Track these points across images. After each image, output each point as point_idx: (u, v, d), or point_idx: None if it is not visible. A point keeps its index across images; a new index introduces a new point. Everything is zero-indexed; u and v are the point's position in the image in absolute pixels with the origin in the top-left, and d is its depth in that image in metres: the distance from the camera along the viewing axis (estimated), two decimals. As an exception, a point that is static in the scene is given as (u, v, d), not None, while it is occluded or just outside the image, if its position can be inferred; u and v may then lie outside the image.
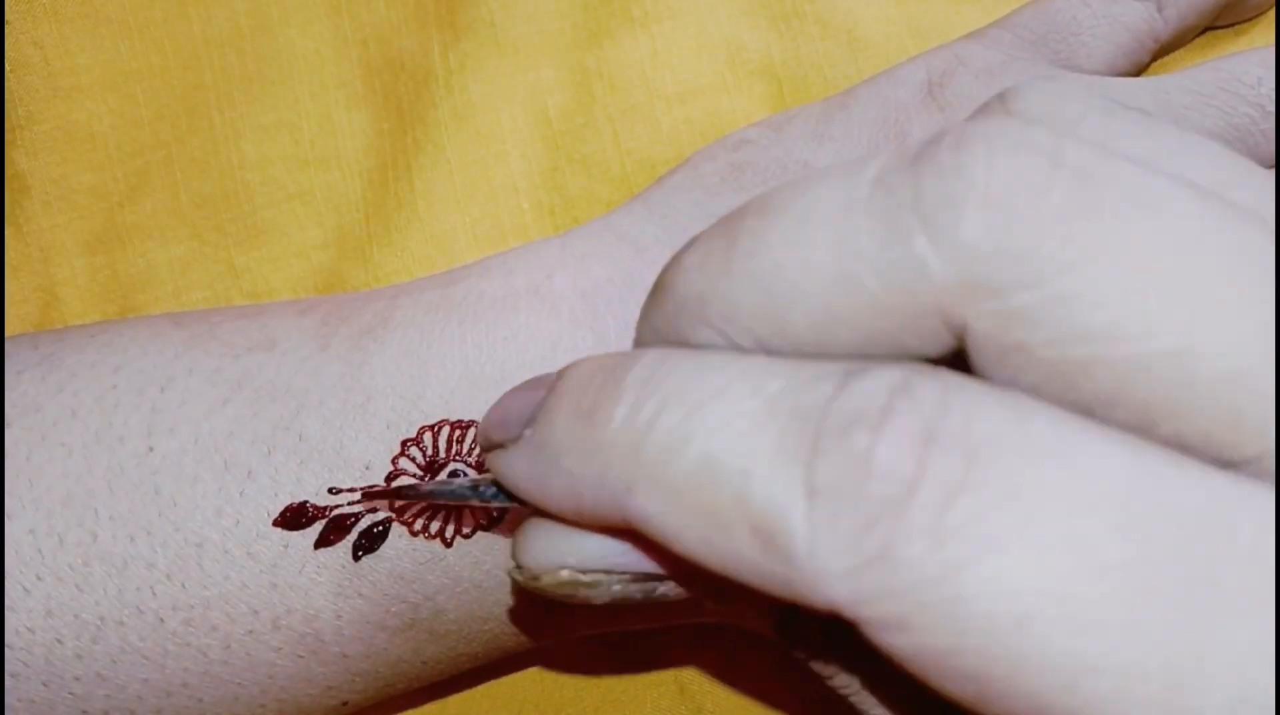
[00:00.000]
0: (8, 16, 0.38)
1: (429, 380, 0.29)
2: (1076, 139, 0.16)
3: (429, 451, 0.29)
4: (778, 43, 0.39)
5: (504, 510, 0.26)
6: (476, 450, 0.29)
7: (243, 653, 0.29)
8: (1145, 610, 0.14)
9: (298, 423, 0.29)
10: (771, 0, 0.39)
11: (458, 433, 0.29)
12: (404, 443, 0.29)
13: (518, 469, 0.20)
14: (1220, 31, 0.38)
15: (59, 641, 0.28)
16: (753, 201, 0.18)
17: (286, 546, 0.28)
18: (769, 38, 0.39)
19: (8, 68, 0.38)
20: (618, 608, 0.22)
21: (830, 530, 0.15)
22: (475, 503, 0.23)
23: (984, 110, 0.20)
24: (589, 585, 0.21)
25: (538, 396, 0.21)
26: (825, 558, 0.15)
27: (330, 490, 0.28)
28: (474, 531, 0.29)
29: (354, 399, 0.29)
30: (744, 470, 0.16)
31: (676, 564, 0.19)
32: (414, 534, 0.29)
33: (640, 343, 0.21)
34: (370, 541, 0.28)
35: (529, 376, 0.26)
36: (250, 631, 0.28)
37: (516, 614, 0.30)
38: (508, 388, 0.26)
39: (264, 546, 0.28)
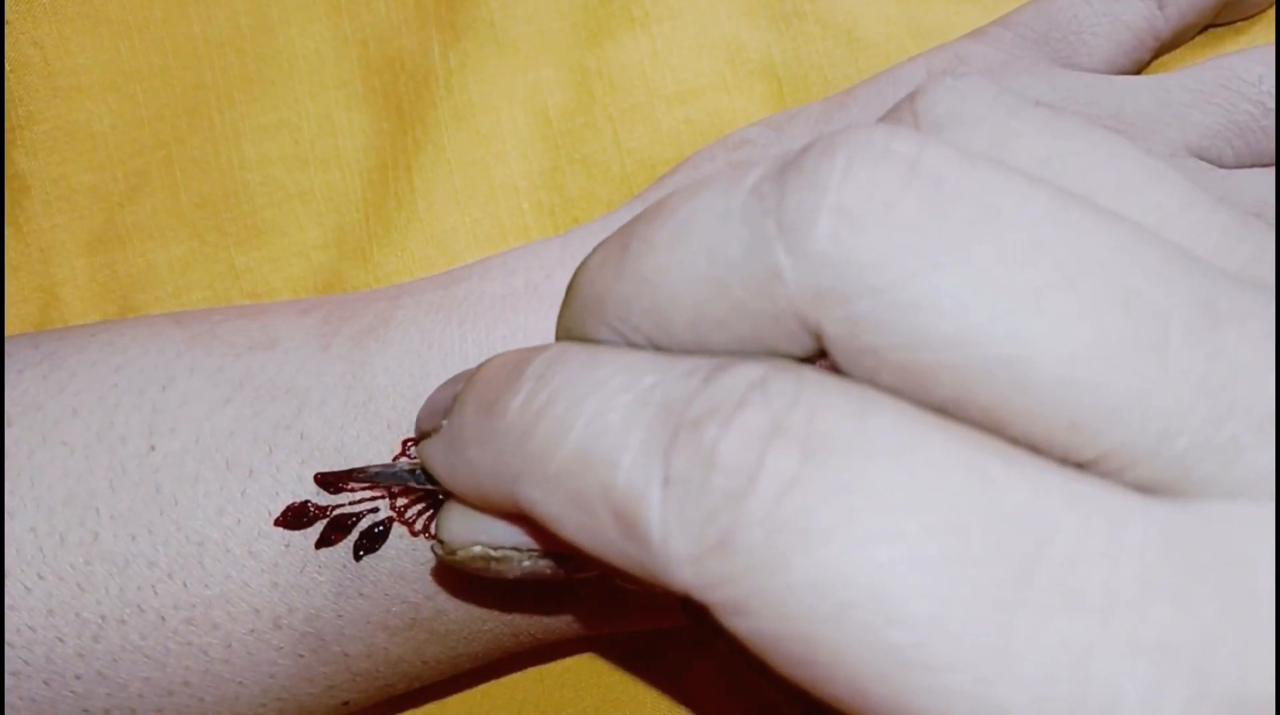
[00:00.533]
0: (8, 16, 0.38)
1: (430, 379, 0.29)
2: (941, 145, 0.16)
3: (429, 451, 0.29)
4: (778, 43, 0.39)
5: (433, 493, 0.27)
6: None
7: (244, 652, 0.29)
8: (955, 605, 0.14)
9: (299, 422, 0.29)
10: (771, 0, 0.39)
11: None
12: (405, 442, 0.29)
13: (436, 456, 0.21)
14: (1219, 30, 0.38)
15: (60, 640, 0.28)
16: (649, 207, 0.19)
17: (288, 546, 0.28)
18: (769, 37, 0.39)
19: (8, 68, 0.38)
20: (532, 581, 0.23)
21: (679, 518, 0.16)
22: (411, 485, 0.25)
23: (892, 111, 0.20)
24: (499, 560, 0.22)
25: (459, 389, 0.22)
26: (675, 544, 0.16)
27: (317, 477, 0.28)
28: None
29: (355, 398, 0.29)
30: (611, 460, 0.17)
31: (567, 547, 0.19)
32: (415, 534, 0.29)
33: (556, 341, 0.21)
34: (371, 541, 0.29)
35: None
36: (252, 630, 0.28)
37: (513, 604, 0.30)
38: None
39: (265, 546, 0.28)
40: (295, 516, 0.28)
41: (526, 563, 0.22)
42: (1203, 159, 0.31)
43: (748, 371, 0.16)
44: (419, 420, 0.23)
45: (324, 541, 0.28)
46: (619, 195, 0.38)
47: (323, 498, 0.28)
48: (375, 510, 0.29)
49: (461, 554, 0.22)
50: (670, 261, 0.18)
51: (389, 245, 0.38)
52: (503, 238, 0.38)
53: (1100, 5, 0.34)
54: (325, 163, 0.38)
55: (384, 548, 0.29)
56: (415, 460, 0.27)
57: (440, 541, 0.23)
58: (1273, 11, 0.37)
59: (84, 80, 0.38)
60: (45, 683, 0.28)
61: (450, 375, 0.29)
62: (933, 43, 0.39)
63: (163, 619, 0.28)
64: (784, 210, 0.16)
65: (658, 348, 0.18)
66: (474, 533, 0.22)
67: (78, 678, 0.28)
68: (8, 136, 0.38)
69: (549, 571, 0.22)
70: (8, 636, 0.28)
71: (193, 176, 0.38)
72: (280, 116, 0.38)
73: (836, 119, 0.33)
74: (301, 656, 0.29)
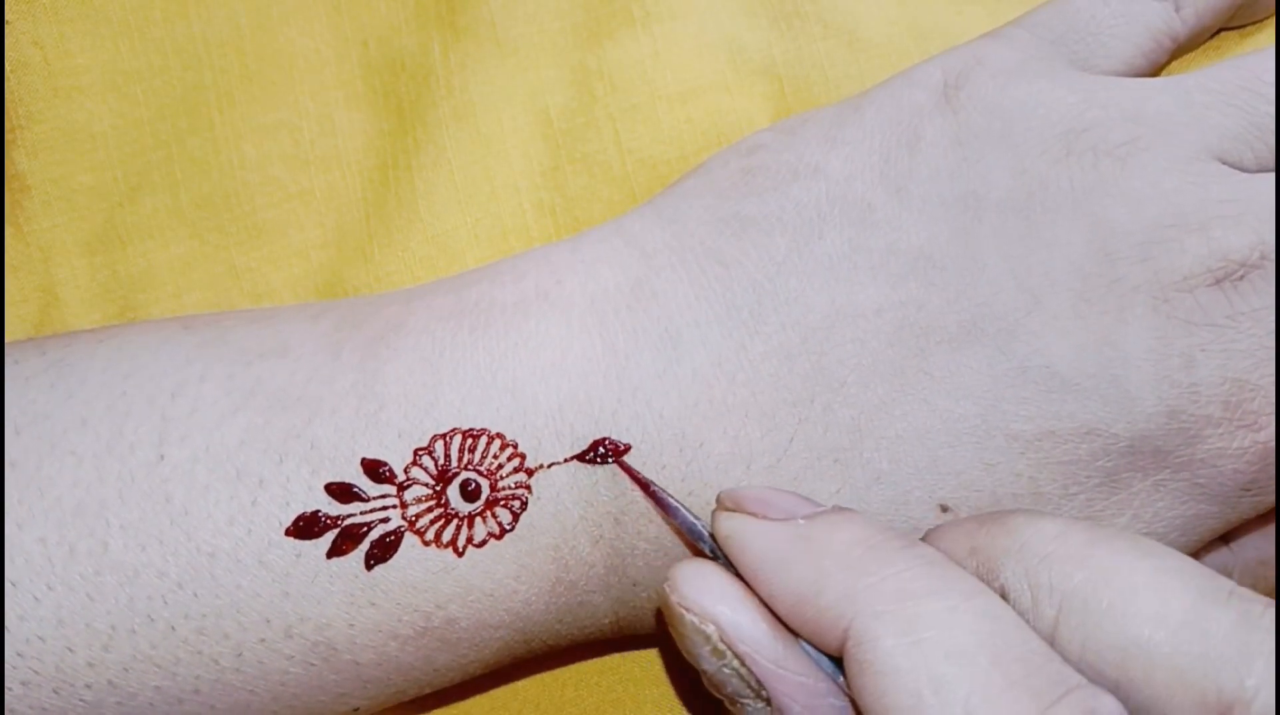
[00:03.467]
0: (8, 16, 0.38)
1: (441, 388, 0.29)
2: None
3: (441, 460, 0.29)
4: (779, 42, 0.39)
5: (698, 551, 0.28)
6: (488, 459, 0.29)
7: (255, 660, 0.29)
8: None
9: (309, 431, 0.29)
10: (772, 0, 0.39)
11: (469, 441, 0.29)
12: (416, 451, 0.29)
13: (761, 541, 0.25)
14: (1226, 33, 0.38)
15: (70, 650, 0.28)
16: None
17: (299, 556, 0.28)
18: (770, 37, 0.39)
19: (8, 68, 0.38)
20: (702, 679, 0.26)
21: None
22: (683, 529, 0.28)
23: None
24: (716, 650, 0.25)
25: (813, 507, 0.26)
26: None
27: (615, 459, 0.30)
28: (485, 541, 0.29)
29: (366, 407, 0.29)
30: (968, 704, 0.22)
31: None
32: (426, 544, 0.29)
33: (943, 543, 0.26)
34: (383, 551, 0.28)
35: (540, 383, 0.29)
36: (262, 640, 0.28)
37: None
38: (519, 396, 0.29)
39: (276, 556, 0.28)
40: (307, 526, 0.28)
41: (727, 670, 0.25)
42: (1224, 163, 0.31)
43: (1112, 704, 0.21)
44: (739, 496, 0.26)
45: (335, 551, 0.28)
46: (620, 194, 0.38)
47: (334, 507, 0.28)
48: (386, 520, 0.29)
49: (691, 617, 0.25)
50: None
51: (389, 245, 0.38)
52: (504, 237, 0.38)
53: (1119, 6, 0.34)
54: (325, 163, 0.38)
55: (395, 557, 0.29)
56: (691, 513, 0.28)
57: (675, 588, 0.25)
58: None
59: (84, 80, 0.38)
60: (55, 691, 0.28)
61: (462, 382, 0.29)
62: (934, 43, 0.39)
63: (173, 628, 0.28)
64: None
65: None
66: (716, 609, 0.25)
67: (88, 687, 0.28)
68: (8, 136, 0.38)
69: (728, 691, 0.25)
70: (18, 646, 0.28)
71: (193, 176, 0.38)
72: (280, 116, 0.38)
73: (850, 123, 0.33)
74: (313, 665, 0.29)
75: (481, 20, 0.39)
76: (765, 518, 0.26)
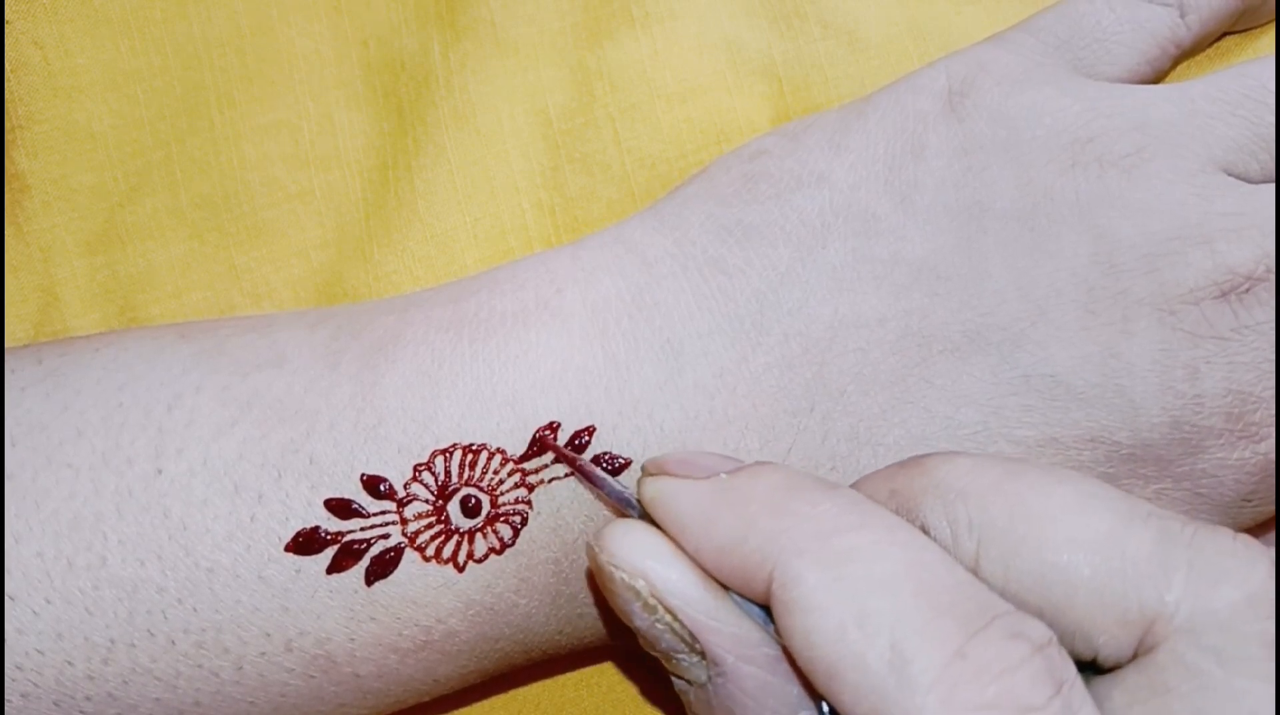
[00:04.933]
0: (8, 16, 0.38)
1: (440, 402, 0.29)
2: None
3: (441, 476, 0.29)
4: (779, 43, 0.39)
5: (621, 511, 0.28)
6: (488, 475, 0.29)
7: (255, 674, 0.29)
8: None
9: (308, 445, 0.29)
10: (772, 0, 0.39)
11: (469, 457, 0.29)
12: (416, 467, 0.29)
13: (685, 499, 0.25)
14: (1230, 36, 0.38)
15: (69, 663, 0.28)
16: None
17: (298, 571, 0.28)
18: (770, 37, 0.39)
19: (8, 68, 0.38)
20: (633, 634, 0.26)
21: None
22: (611, 499, 0.28)
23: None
24: (646, 605, 0.25)
25: (734, 463, 0.26)
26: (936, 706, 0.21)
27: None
28: (486, 557, 0.29)
29: (365, 421, 0.29)
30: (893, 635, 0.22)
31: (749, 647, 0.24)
32: (426, 560, 0.29)
33: (865, 488, 0.26)
34: (383, 567, 0.28)
35: (540, 396, 0.28)
36: (263, 653, 0.28)
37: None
38: (519, 409, 0.29)
39: (276, 571, 0.28)
40: (306, 542, 0.28)
41: (661, 626, 0.25)
42: (1230, 174, 0.31)
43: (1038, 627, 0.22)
44: (662, 461, 0.26)
45: (335, 567, 0.28)
46: (619, 194, 0.38)
47: (333, 523, 0.28)
48: (386, 536, 0.29)
49: (621, 574, 0.25)
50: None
51: (389, 245, 0.38)
52: (503, 237, 0.38)
53: (1124, 12, 0.34)
54: (325, 163, 0.38)
55: (395, 573, 0.29)
56: (619, 483, 0.28)
57: (603, 547, 0.25)
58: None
59: (84, 80, 0.38)
60: (55, 704, 0.28)
61: (461, 396, 0.29)
62: (934, 43, 0.39)
63: (173, 643, 0.28)
64: None
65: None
66: (646, 564, 0.25)
67: (88, 699, 0.28)
68: (8, 136, 0.37)
69: (663, 646, 0.25)
70: (16, 660, 0.28)
71: (193, 176, 0.38)
72: (280, 116, 0.38)
73: (854, 129, 0.32)
74: (313, 678, 0.29)
75: (481, 20, 0.39)
76: (688, 477, 0.25)
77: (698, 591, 0.24)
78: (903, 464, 0.26)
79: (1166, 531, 0.23)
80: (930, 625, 0.21)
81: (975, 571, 0.23)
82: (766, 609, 0.24)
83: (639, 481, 0.26)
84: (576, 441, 0.29)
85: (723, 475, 0.25)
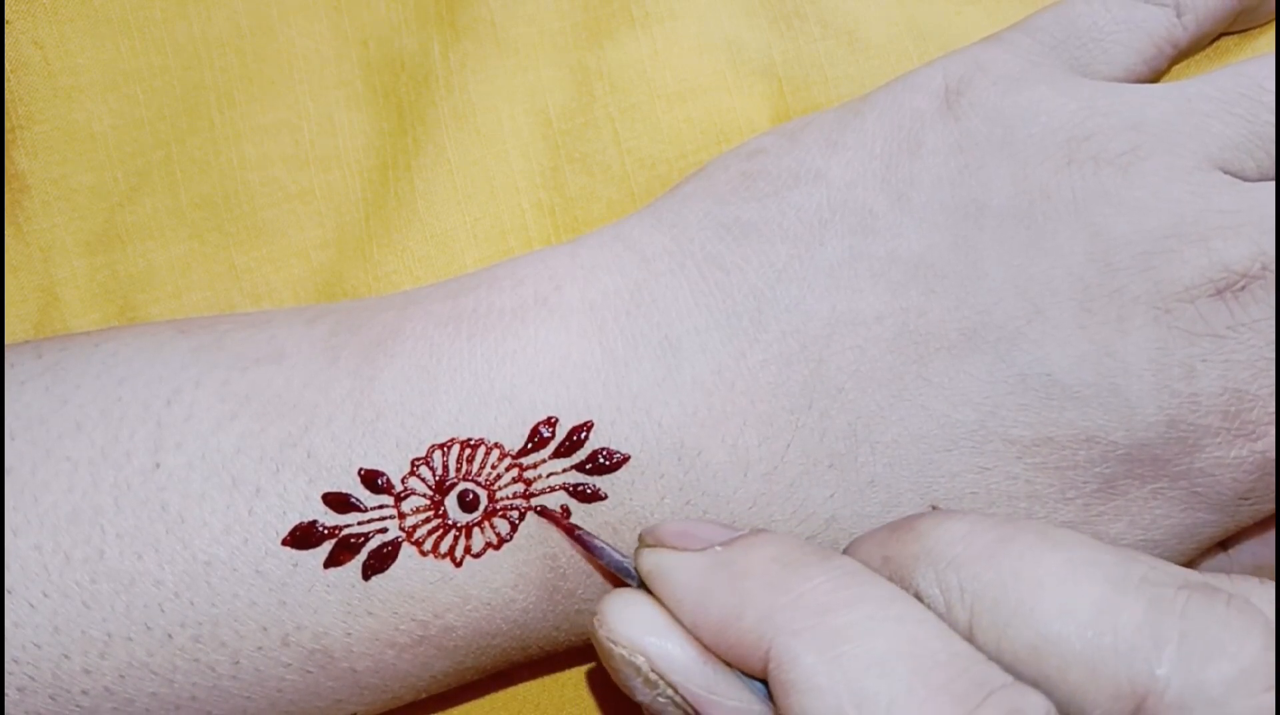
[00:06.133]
0: (8, 16, 0.38)
1: (439, 396, 0.29)
2: None
3: (439, 471, 0.29)
4: (778, 43, 0.39)
5: (619, 580, 0.29)
6: (486, 469, 0.29)
7: (251, 668, 0.29)
8: None
9: (306, 440, 0.29)
10: (772, 0, 0.39)
11: (467, 451, 0.29)
12: (414, 462, 0.29)
13: (681, 572, 0.25)
14: (1227, 37, 0.38)
15: (66, 657, 0.28)
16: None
17: (295, 565, 0.28)
18: (770, 37, 0.39)
19: (8, 68, 0.38)
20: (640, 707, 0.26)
21: None
22: (610, 569, 0.28)
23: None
24: (647, 680, 0.25)
25: (730, 534, 0.26)
26: None
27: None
28: (483, 552, 0.29)
29: (363, 416, 0.29)
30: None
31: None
32: (423, 554, 0.29)
33: (859, 554, 0.26)
34: (380, 562, 0.29)
35: (538, 391, 0.28)
36: (259, 648, 0.28)
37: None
38: (517, 404, 0.29)
39: (273, 565, 0.28)
40: (304, 536, 0.28)
41: (662, 700, 0.25)
42: (1226, 172, 0.31)
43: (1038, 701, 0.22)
44: (659, 531, 0.26)
45: (332, 561, 0.28)
46: (619, 194, 0.38)
47: (331, 517, 0.28)
48: (384, 530, 0.29)
49: (620, 650, 0.25)
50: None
51: (389, 245, 0.38)
52: (503, 237, 0.38)
53: (1120, 12, 0.34)
54: (325, 163, 0.38)
55: (392, 568, 0.29)
56: (622, 556, 0.28)
57: (603, 622, 0.25)
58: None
59: (84, 80, 0.38)
60: (52, 698, 0.28)
61: (459, 390, 0.29)
62: (934, 43, 0.39)
63: (170, 637, 0.28)
64: None
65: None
66: (644, 640, 0.25)
67: (84, 693, 0.28)
68: (8, 136, 0.37)
69: None
70: (13, 653, 0.28)
71: (193, 176, 0.38)
72: (280, 116, 0.38)
73: (851, 127, 0.32)
74: (309, 672, 0.29)
75: (481, 20, 0.39)
76: (685, 549, 0.26)
77: (697, 666, 0.25)
78: (895, 527, 0.26)
79: (1158, 600, 0.22)
80: (927, 704, 0.22)
81: (970, 640, 0.23)
82: (766, 682, 0.24)
83: (636, 552, 0.27)
84: (574, 436, 0.29)
85: (717, 547, 0.25)
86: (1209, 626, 0.22)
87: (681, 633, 0.25)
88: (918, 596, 0.24)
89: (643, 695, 0.25)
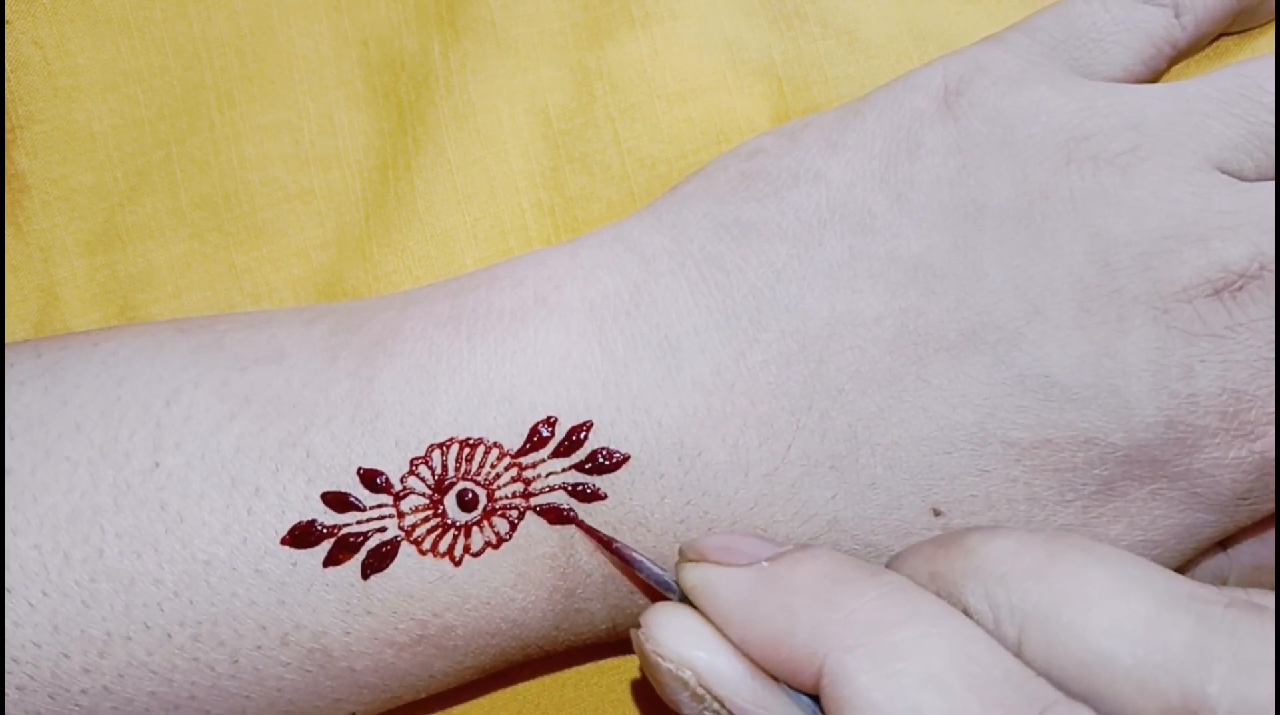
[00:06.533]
0: (8, 16, 0.38)
1: (438, 396, 0.29)
2: None
3: (438, 470, 0.29)
4: (778, 43, 0.39)
5: (658, 593, 0.28)
6: (485, 469, 0.29)
7: (250, 667, 0.29)
8: None
9: (305, 439, 0.29)
10: (772, 0, 0.39)
11: (466, 451, 0.29)
12: (413, 461, 0.29)
13: (728, 588, 0.25)
14: (1226, 37, 0.38)
15: (65, 656, 0.28)
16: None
17: (295, 565, 0.28)
18: (770, 37, 0.39)
19: (8, 68, 0.38)
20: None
21: None
22: (650, 582, 0.28)
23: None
24: (695, 695, 0.25)
25: (774, 548, 0.26)
26: None
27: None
28: (482, 551, 0.29)
29: (363, 415, 0.29)
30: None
31: None
32: (423, 553, 0.29)
33: (905, 569, 0.26)
34: (379, 561, 0.29)
35: (538, 391, 0.28)
36: (258, 647, 0.28)
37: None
38: (517, 404, 0.29)
39: (272, 564, 0.28)
40: (303, 535, 0.28)
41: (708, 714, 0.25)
42: (1225, 172, 0.31)
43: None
44: (701, 545, 0.26)
45: (331, 560, 0.28)
46: (619, 194, 0.38)
47: (330, 517, 0.28)
48: (383, 530, 0.29)
49: (667, 665, 0.25)
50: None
51: (389, 245, 0.38)
52: (503, 237, 0.38)
53: (1120, 13, 0.34)
54: (325, 163, 0.38)
55: (392, 566, 0.29)
56: (657, 565, 0.28)
57: (649, 635, 0.25)
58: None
59: (84, 80, 0.38)
60: (51, 697, 0.28)
61: (459, 390, 0.29)
62: (934, 43, 0.39)
63: (169, 636, 0.28)
64: None
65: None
66: (693, 654, 0.25)
67: (84, 692, 0.28)
68: (8, 136, 0.38)
69: None
70: (12, 652, 0.28)
71: (193, 176, 0.38)
72: (280, 116, 0.38)
73: (850, 127, 0.32)
74: (309, 672, 0.29)
75: (481, 20, 0.39)
76: (729, 564, 0.26)
77: (746, 681, 0.25)
78: (941, 541, 0.26)
79: (1207, 617, 0.22)
80: None
81: (1019, 655, 0.23)
82: (815, 697, 0.24)
83: (678, 566, 0.27)
84: (574, 436, 0.29)
85: (764, 562, 0.25)
86: (1259, 645, 0.22)
87: (729, 647, 0.25)
88: (966, 612, 0.24)
89: (689, 709, 0.25)
